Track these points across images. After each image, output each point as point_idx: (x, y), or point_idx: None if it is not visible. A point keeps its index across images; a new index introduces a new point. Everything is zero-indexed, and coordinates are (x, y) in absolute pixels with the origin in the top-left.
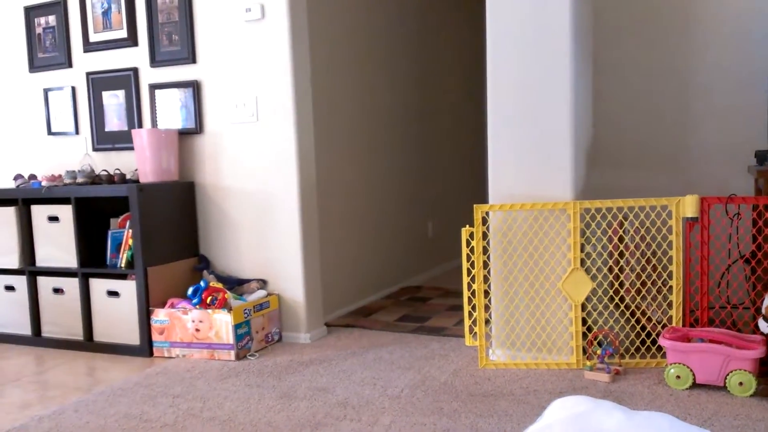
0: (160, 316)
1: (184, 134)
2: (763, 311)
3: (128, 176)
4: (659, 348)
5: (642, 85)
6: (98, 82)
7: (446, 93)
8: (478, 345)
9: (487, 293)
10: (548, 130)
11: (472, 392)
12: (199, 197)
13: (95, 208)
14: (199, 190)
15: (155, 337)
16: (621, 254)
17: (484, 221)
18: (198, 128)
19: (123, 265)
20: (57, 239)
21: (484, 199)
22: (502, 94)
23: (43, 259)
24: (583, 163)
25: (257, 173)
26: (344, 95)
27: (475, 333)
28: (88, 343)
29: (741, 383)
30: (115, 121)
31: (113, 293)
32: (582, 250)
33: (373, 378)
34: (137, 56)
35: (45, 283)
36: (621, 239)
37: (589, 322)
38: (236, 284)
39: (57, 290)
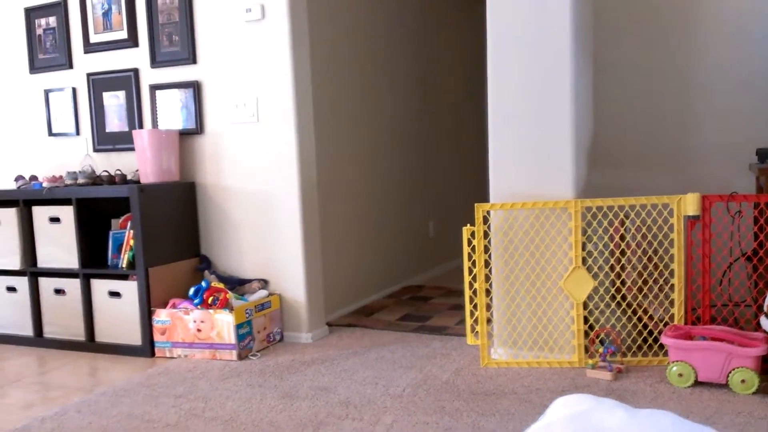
0: (161, 316)
1: (184, 135)
2: (765, 309)
3: (129, 177)
4: (661, 346)
5: (643, 85)
6: (99, 83)
7: (446, 93)
8: (479, 344)
9: (488, 292)
10: (549, 129)
11: (474, 391)
12: (200, 197)
13: (96, 209)
14: (200, 191)
15: (157, 337)
16: (622, 252)
17: (486, 220)
18: (199, 129)
19: (124, 266)
20: (58, 240)
21: (485, 198)
22: (502, 93)
23: (44, 260)
24: (584, 162)
25: (258, 173)
26: (345, 95)
27: (477, 332)
28: (89, 344)
29: (743, 381)
30: (115, 122)
31: (115, 294)
32: (583, 249)
33: (375, 377)
34: (138, 57)
35: (46, 284)
36: (622, 238)
37: (591, 320)
38: (237, 284)
39: (58, 291)
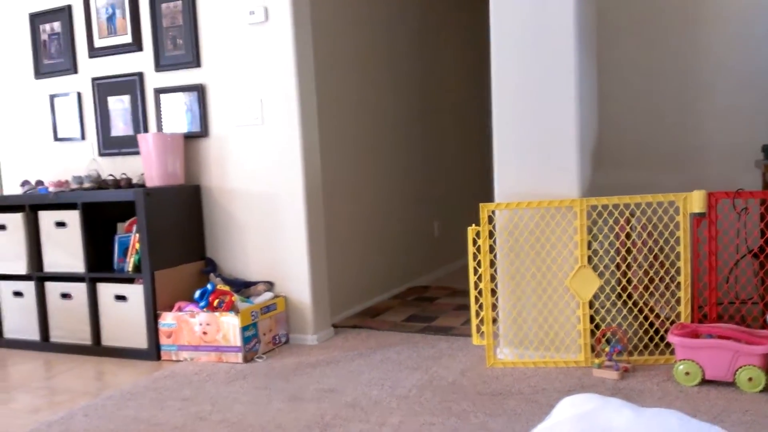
0: (167, 319)
1: (189, 138)
2: None
3: (134, 181)
4: (668, 345)
5: (645, 85)
6: (104, 88)
7: (450, 92)
8: (485, 344)
9: (494, 292)
10: (553, 129)
11: (481, 391)
12: (206, 200)
13: (102, 213)
14: (206, 193)
15: (163, 340)
16: (628, 251)
17: (491, 220)
18: (203, 132)
19: (130, 270)
20: (64, 244)
21: (489, 198)
22: (506, 93)
23: (50, 265)
24: (589, 162)
25: (263, 175)
26: (348, 97)
27: (483, 332)
28: (96, 348)
29: (750, 379)
30: (120, 126)
31: (121, 297)
32: (589, 248)
33: (381, 378)
34: (142, 61)
35: (53, 289)
36: (628, 236)
37: (597, 319)
38: (243, 287)
39: (65, 295)
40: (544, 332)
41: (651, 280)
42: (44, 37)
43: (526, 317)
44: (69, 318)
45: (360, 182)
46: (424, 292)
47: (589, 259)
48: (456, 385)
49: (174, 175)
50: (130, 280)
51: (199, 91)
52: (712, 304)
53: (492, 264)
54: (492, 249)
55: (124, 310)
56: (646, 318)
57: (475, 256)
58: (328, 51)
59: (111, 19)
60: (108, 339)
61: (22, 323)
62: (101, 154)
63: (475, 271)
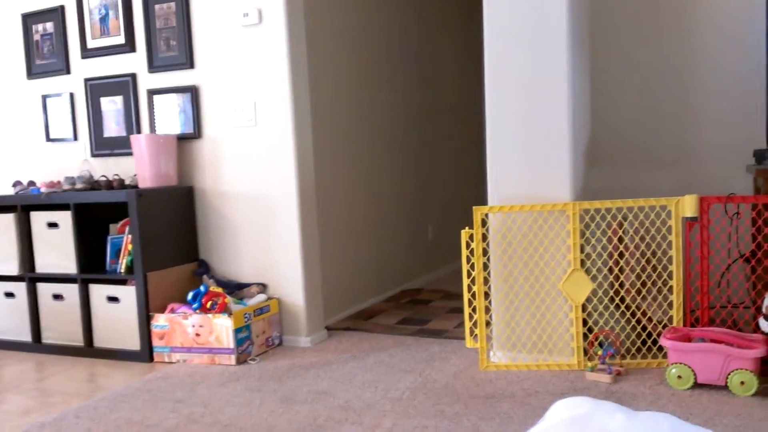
0: (160, 321)
1: (182, 139)
2: (764, 310)
3: (127, 182)
4: (660, 348)
5: (640, 85)
6: (96, 88)
7: (444, 96)
8: (478, 347)
9: (487, 295)
10: (547, 131)
11: (474, 394)
12: (199, 202)
13: (94, 214)
14: (199, 195)
15: (155, 342)
16: (621, 255)
17: (484, 223)
18: (197, 133)
19: (123, 271)
20: (56, 245)
21: (483, 201)
22: (500, 94)
23: (42, 266)
24: (582, 163)
25: (256, 177)
26: (342, 99)
27: (476, 335)
28: (88, 349)
29: (742, 383)
30: (113, 127)
31: (113, 299)
32: (582, 251)
33: (374, 381)
34: (135, 62)
35: (45, 290)
36: (621, 240)
37: (590, 323)
38: (236, 288)
39: (57, 296)
40: (537, 335)
41: (643, 284)
42: (37, 37)
43: (520, 320)
44: (61, 319)
45: (353, 185)
46: (417, 295)
47: (582, 262)
48: (449, 387)
49: (167, 177)
50: (122, 282)
51: (193, 92)
52: (704, 308)
53: (485, 267)
54: (485, 252)
55: (116, 311)
56: (638, 321)
57: (468, 259)
58: (322, 53)
59: (104, 19)
60: (100, 340)
61: (14, 324)
62: (94, 155)
63: (469, 274)
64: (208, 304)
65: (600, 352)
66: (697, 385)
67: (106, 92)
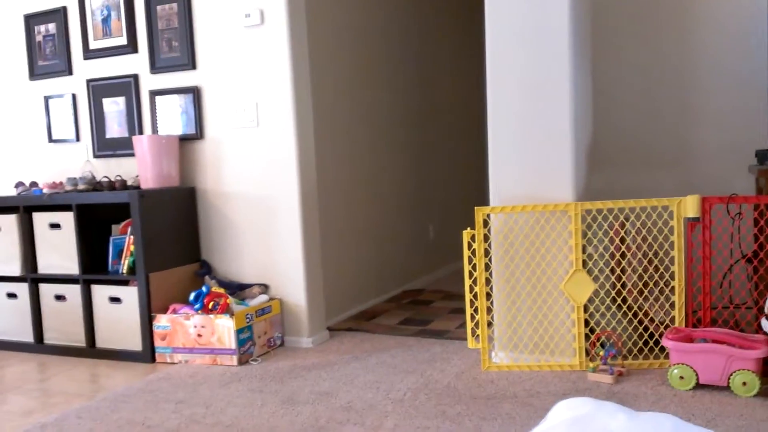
0: (162, 321)
1: (184, 140)
2: (766, 311)
3: (129, 183)
4: (662, 349)
5: (641, 85)
6: (99, 89)
7: (446, 95)
8: (480, 347)
9: (489, 296)
10: (548, 131)
11: (475, 395)
12: (201, 203)
13: (96, 215)
14: (200, 196)
15: (157, 342)
16: (623, 255)
17: (486, 223)
18: (199, 134)
19: (125, 272)
20: (58, 246)
21: (484, 202)
22: (501, 94)
23: (44, 267)
24: (584, 163)
25: (258, 178)
26: (344, 100)
27: (478, 335)
28: (90, 350)
29: (744, 383)
30: (115, 128)
31: (115, 299)
32: (583, 252)
33: (376, 382)
34: (137, 63)
35: (47, 290)
36: (622, 240)
37: (592, 323)
38: (238, 289)
39: (59, 297)
40: (539, 336)
41: (645, 285)
42: (39, 38)
43: (521, 321)
44: (63, 320)
45: (355, 185)
46: (419, 296)
47: (584, 262)
48: (451, 388)
49: (169, 177)
50: (124, 282)
51: (195, 93)
52: (706, 309)
53: (487, 267)
54: (487, 252)
55: (118, 312)
56: (640, 322)
57: (470, 260)
58: (323, 53)
59: (106, 20)
60: (102, 341)
61: (16, 325)
62: (96, 156)
63: (471, 275)
64: (210, 305)
65: (602, 353)
66: (699, 386)
67: (108, 93)
